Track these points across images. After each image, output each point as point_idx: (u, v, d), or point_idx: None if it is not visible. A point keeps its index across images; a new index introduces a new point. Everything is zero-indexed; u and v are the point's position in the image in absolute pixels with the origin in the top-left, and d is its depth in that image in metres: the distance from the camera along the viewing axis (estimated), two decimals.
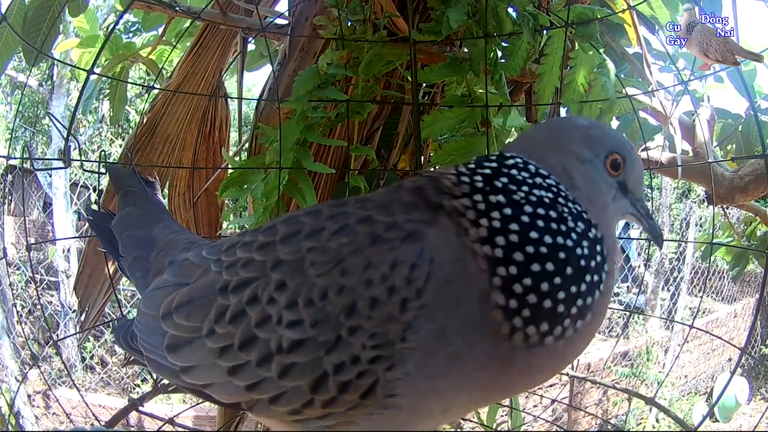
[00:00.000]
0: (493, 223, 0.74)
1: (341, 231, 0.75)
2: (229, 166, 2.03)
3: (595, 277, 0.77)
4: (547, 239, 0.74)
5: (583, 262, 0.75)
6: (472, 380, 0.72)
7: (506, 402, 1.91)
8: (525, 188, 0.78)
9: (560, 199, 0.79)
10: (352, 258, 0.73)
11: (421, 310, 0.69)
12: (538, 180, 0.80)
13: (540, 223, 0.75)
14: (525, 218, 0.75)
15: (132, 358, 1.02)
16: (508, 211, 0.75)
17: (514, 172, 0.80)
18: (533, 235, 0.74)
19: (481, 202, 0.76)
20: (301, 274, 0.75)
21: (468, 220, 0.74)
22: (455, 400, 0.75)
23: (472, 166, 0.82)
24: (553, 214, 0.76)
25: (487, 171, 0.80)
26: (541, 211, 0.76)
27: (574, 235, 0.76)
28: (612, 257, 0.82)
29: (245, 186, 1.54)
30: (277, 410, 0.78)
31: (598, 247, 0.78)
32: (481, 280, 0.71)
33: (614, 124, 2.75)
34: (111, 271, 1.87)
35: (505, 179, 0.78)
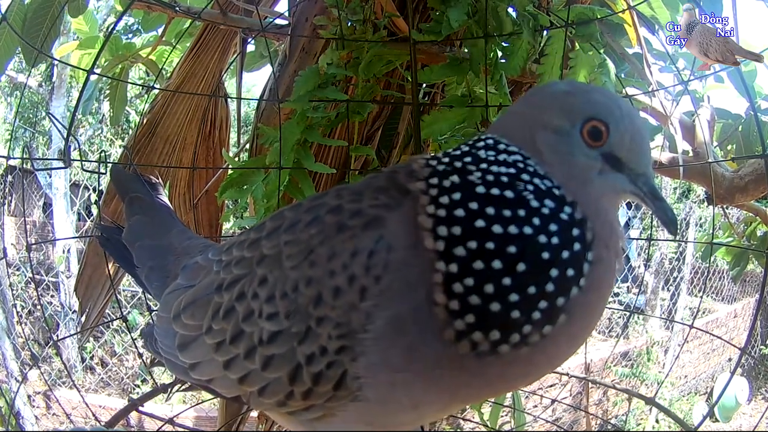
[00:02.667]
0: (439, 211, 0.67)
1: (312, 222, 0.76)
2: (229, 166, 2.03)
3: (569, 271, 0.65)
4: (497, 229, 0.64)
5: (546, 255, 0.64)
6: (433, 376, 0.68)
7: (508, 402, 1.90)
8: (484, 166, 0.70)
9: (524, 175, 0.68)
10: (320, 248, 0.73)
11: (378, 298, 0.67)
12: (503, 157, 0.71)
13: (490, 209, 0.65)
14: (473, 205, 0.66)
15: (157, 360, 1.05)
16: (457, 195, 0.68)
17: (481, 152, 0.72)
18: (479, 224, 0.65)
19: (434, 186, 0.70)
20: (279, 267, 0.76)
21: (421, 206, 0.69)
22: (423, 395, 0.71)
23: (451, 149, 0.77)
24: (509, 194, 0.66)
25: (457, 152, 0.74)
26: (495, 191, 0.67)
27: (536, 220, 0.65)
28: (603, 242, 0.69)
29: (245, 187, 1.54)
30: (266, 402, 0.80)
31: (576, 231, 0.67)
32: (429, 272, 0.66)
33: None
34: (111, 272, 1.87)
35: (468, 158, 0.72)
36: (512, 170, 0.69)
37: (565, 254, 0.65)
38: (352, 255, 0.70)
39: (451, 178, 0.70)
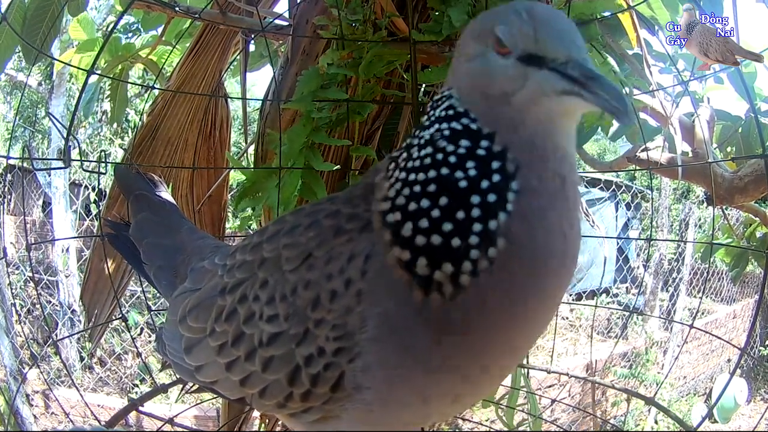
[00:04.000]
0: (395, 185, 0.72)
1: (311, 226, 0.78)
2: (232, 168, 2.02)
3: (491, 197, 0.66)
4: (420, 176, 0.70)
5: (463, 184, 0.67)
6: (432, 363, 0.69)
7: (522, 400, 1.88)
8: (417, 132, 0.75)
9: (443, 124, 0.72)
10: (317, 251, 0.75)
11: (372, 300, 0.69)
12: (433, 113, 0.75)
13: (415, 163, 0.71)
14: (410, 163, 0.72)
15: (167, 363, 1.06)
16: (402, 165, 0.73)
17: (437, 111, 0.75)
18: (411, 177, 0.70)
19: (390, 170, 0.75)
20: (279, 270, 0.78)
21: (382, 195, 0.73)
22: (428, 388, 0.72)
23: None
24: (429, 149, 0.71)
25: (426, 122, 0.77)
26: (421, 152, 0.72)
27: (451, 159, 0.69)
28: (533, 172, 0.68)
29: (260, 194, 1.53)
30: (266, 404, 0.81)
31: (495, 164, 0.68)
32: (387, 250, 0.69)
33: (614, 124, 2.75)
34: (113, 276, 1.86)
35: (419, 131, 0.76)
36: (437, 125, 0.73)
37: (485, 183, 0.67)
38: (349, 259, 0.71)
39: (401, 155, 0.75)
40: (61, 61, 2.88)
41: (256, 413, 1.88)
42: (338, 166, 1.66)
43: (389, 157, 0.78)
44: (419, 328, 0.68)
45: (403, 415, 0.75)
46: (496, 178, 0.67)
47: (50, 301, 6.79)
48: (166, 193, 1.26)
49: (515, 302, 0.69)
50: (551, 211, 0.69)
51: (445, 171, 0.68)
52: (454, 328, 0.68)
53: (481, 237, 0.66)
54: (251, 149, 2.10)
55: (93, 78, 2.36)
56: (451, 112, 0.72)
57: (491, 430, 1.92)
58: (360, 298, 0.69)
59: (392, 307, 0.68)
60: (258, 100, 1.85)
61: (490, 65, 0.70)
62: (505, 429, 1.83)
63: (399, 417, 0.75)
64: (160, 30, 2.30)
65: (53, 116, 1.62)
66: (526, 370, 1.79)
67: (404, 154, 0.74)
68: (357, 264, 0.70)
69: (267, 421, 1.85)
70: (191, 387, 1.08)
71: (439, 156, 0.70)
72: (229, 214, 2.63)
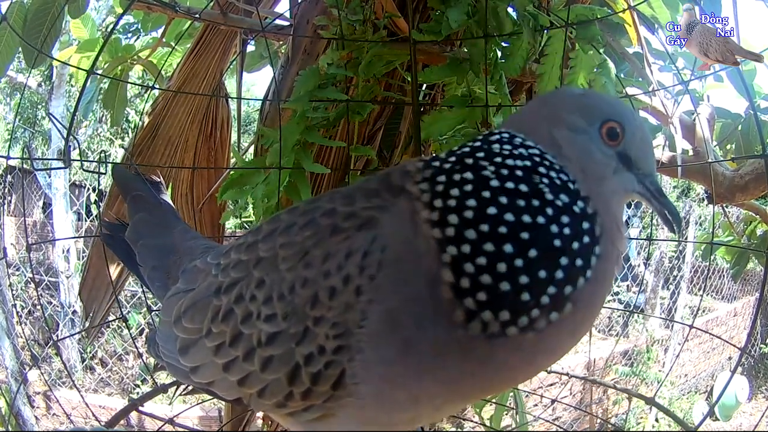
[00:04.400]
0: (448, 202, 0.69)
1: (307, 225, 0.77)
2: (233, 167, 2.03)
3: (578, 261, 0.67)
4: (508, 216, 0.67)
5: (557, 242, 0.67)
6: (432, 368, 0.69)
7: (509, 403, 1.90)
8: (498, 160, 0.72)
9: (540, 168, 0.71)
10: (314, 250, 0.74)
11: (373, 296, 0.69)
12: (520, 151, 0.73)
13: (503, 199, 0.68)
14: (486, 193, 0.68)
15: (160, 365, 1.05)
16: (468, 187, 0.69)
17: (495, 146, 0.74)
18: (492, 211, 0.67)
19: (441, 183, 0.71)
20: (276, 270, 0.77)
21: (422, 203, 0.70)
22: (421, 389, 0.72)
23: (456, 147, 0.78)
24: (523, 187, 0.69)
25: (466, 149, 0.76)
26: (509, 184, 0.69)
27: (549, 210, 0.68)
28: (610, 239, 0.72)
29: (245, 187, 1.54)
30: (265, 403, 0.81)
31: (586, 225, 0.69)
32: (430, 261, 0.67)
33: None
34: (112, 274, 1.87)
35: (481, 154, 0.73)
36: (528, 163, 0.72)
37: (575, 245, 0.68)
38: (347, 256, 0.71)
39: (463, 174, 0.71)
40: (61, 61, 2.88)
41: (259, 413, 1.88)
42: (329, 170, 1.65)
43: (426, 164, 0.76)
44: (429, 336, 0.67)
45: (394, 414, 0.75)
46: (586, 239, 0.69)
47: (51, 302, 6.80)
48: (164, 194, 1.25)
49: (546, 353, 0.72)
50: (609, 278, 0.73)
51: (541, 220, 0.67)
52: (475, 357, 0.68)
53: (552, 300, 0.66)
54: (251, 149, 2.11)
55: (93, 78, 2.36)
56: (547, 162, 0.73)
57: (491, 429, 1.92)
58: (359, 294, 0.69)
59: (400, 306, 0.68)
60: (258, 100, 1.86)
61: (594, 147, 0.76)
62: (503, 429, 1.84)
63: (391, 416, 0.75)
64: (159, 32, 2.30)
65: (53, 116, 1.62)
66: None
67: (470, 175, 0.71)
68: (355, 260, 0.70)
69: (270, 422, 1.85)
70: (185, 388, 1.07)
71: (536, 201, 0.68)
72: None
